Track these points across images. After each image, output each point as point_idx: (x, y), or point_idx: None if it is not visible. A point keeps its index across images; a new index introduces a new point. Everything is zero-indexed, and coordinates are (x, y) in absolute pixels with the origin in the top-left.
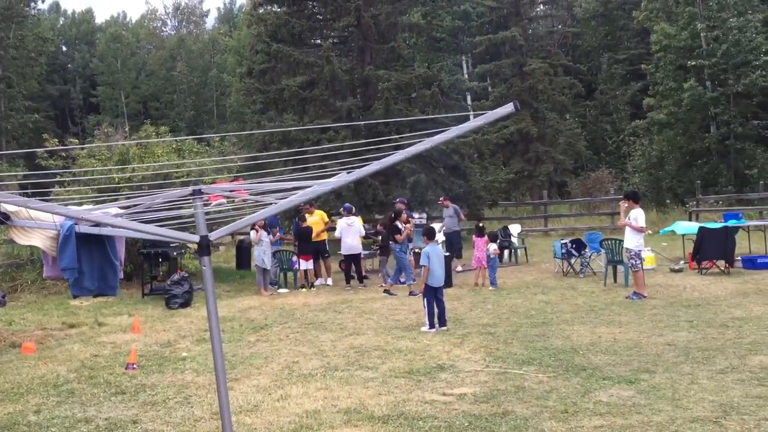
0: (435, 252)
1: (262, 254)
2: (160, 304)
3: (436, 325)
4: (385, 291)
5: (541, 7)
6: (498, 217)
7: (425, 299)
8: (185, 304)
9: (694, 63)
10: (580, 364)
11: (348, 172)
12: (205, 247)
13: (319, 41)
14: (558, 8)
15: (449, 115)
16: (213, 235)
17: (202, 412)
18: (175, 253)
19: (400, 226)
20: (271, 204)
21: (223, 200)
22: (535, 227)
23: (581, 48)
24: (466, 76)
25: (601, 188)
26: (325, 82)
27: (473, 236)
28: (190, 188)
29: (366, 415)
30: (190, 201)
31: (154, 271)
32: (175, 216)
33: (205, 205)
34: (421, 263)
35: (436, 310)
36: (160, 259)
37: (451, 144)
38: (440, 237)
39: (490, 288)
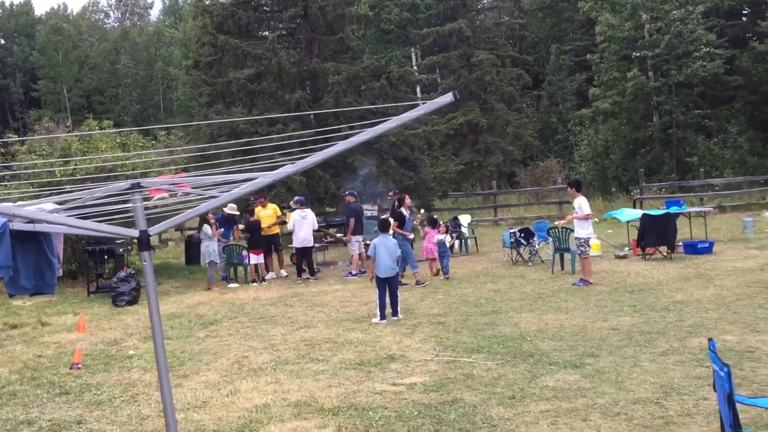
0: (382, 243)
1: (207, 249)
2: (107, 302)
3: (388, 316)
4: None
5: None
6: (448, 207)
7: (377, 290)
8: (132, 301)
9: (637, 54)
10: (527, 351)
11: (293, 164)
12: (144, 242)
13: (267, 33)
14: (505, 0)
15: (396, 104)
16: (153, 230)
17: (149, 410)
18: (121, 250)
19: (405, 213)
20: (213, 197)
21: (165, 194)
22: (485, 217)
23: (528, 39)
24: (415, 67)
25: (549, 178)
26: (272, 74)
27: (426, 227)
28: (129, 182)
29: (316, 407)
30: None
31: (99, 269)
32: (117, 211)
33: (147, 199)
34: (368, 253)
35: (388, 301)
36: (106, 256)
37: (401, 136)
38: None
39: (443, 277)
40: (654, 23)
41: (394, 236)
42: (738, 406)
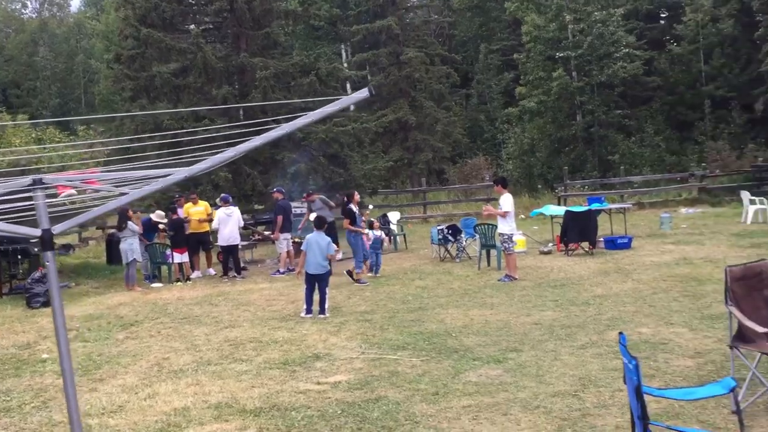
0: (315, 240)
1: (131, 246)
2: (21, 304)
3: (315, 313)
4: (356, 280)
5: None
6: (378, 204)
7: (305, 286)
8: (48, 303)
9: (561, 54)
10: (452, 347)
11: (205, 160)
12: (47, 242)
13: (192, 26)
14: None
15: (313, 99)
16: (57, 229)
17: (60, 416)
18: (36, 250)
19: (354, 209)
20: (123, 194)
21: (73, 191)
22: (414, 214)
23: (458, 38)
24: (345, 64)
25: (478, 175)
26: (198, 69)
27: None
28: (29, 178)
29: (237, 409)
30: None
31: (13, 269)
32: (24, 208)
33: (54, 196)
34: (302, 248)
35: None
36: (20, 256)
37: (330, 133)
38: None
39: (373, 274)
40: (577, 24)
41: (347, 232)
42: (648, 397)
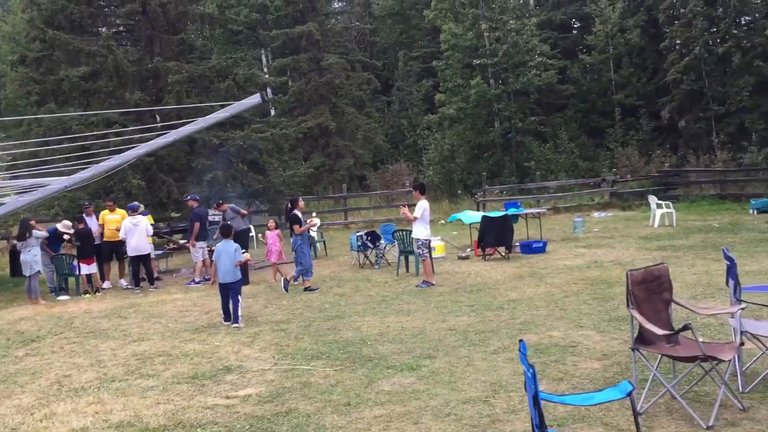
0: (224, 249)
1: (34, 258)
2: None
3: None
4: (306, 288)
5: (339, 3)
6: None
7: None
8: None
9: (479, 62)
10: (367, 355)
11: (86, 169)
12: None
13: (103, 29)
14: (354, 5)
15: (207, 104)
16: None
17: None
18: None
19: (299, 215)
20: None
21: None
22: (336, 220)
23: (379, 45)
24: (265, 69)
25: (399, 181)
26: (109, 73)
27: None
28: None
29: (140, 428)
30: None
31: None
32: None
33: None
34: (212, 258)
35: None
36: None
37: (248, 139)
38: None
39: (294, 282)
40: (493, 33)
41: (294, 239)
42: (549, 404)
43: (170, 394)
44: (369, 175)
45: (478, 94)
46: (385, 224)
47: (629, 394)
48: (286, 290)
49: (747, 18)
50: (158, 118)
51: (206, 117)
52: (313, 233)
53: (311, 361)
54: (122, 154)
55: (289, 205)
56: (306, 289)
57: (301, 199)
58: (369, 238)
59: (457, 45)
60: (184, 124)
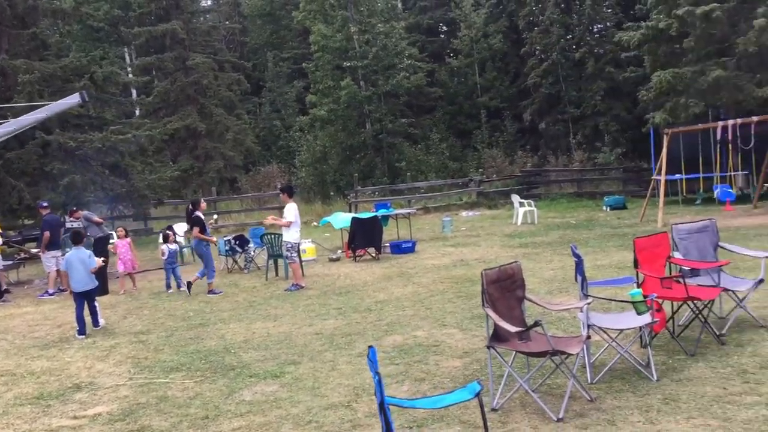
0: (76, 257)
1: None
2: None
3: (87, 327)
4: (210, 291)
5: (206, 2)
6: (166, 215)
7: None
8: None
9: (349, 64)
10: (229, 364)
11: None
12: None
13: None
14: (221, 4)
15: (20, 104)
16: None
17: None
18: None
19: (201, 216)
20: None
21: None
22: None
23: (249, 45)
24: (129, 68)
25: (271, 183)
26: None
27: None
28: None
29: None
30: None
31: None
32: None
33: None
34: (62, 268)
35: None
36: None
37: (107, 141)
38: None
39: (169, 291)
40: (362, 35)
41: (196, 242)
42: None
43: (11, 417)
44: (240, 178)
45: (348, 96)
46: (255, 227)
47: (478, 395)
48: (215, 292)
49: (599, 26)
50: (9, 118)
51: (19, 119)
52: (180, 238)
53: (170, 374)
54: None
55: (191, 207)
56: (209, 292)
57: (203, 200)
58: (237, 242)
59: (326, 46)
60: None
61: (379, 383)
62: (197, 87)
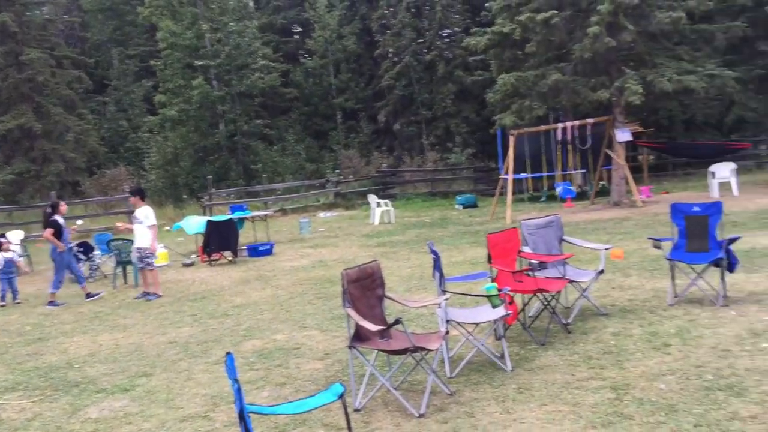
0: None
1: None
2: None
3: None
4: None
5: None
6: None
7: None
8: None
9: (200, 62)
10: (73, 380)
11: None
12: None
13: None
14: None
15: None
16: None
17: None
18: None
19: (60, 220)
20: None
21: None
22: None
23: (91, 41)
24: None
25: (118, 186)
26: None
27: None
28: None
29: None
30: None
31: None
32: None
33: None
34: None
35: None
36: None
37: None
38: None
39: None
40: (214, 33)
41: (53, 247)
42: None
43: None
44: (83, 181)
45: (200, 96)
46: (100, 234)
47: (341, 396)
48: (54, 305)
49: (448, 30)
50: None
51: None
52: (15, 248)
53: (4, 394)
54: None
55: (49, 210)
56: (49, 303)
57: (63, 203)
58: (81, 250)
59: (176, 44)
60: None
61: (238, 391)
62: (32, 84)
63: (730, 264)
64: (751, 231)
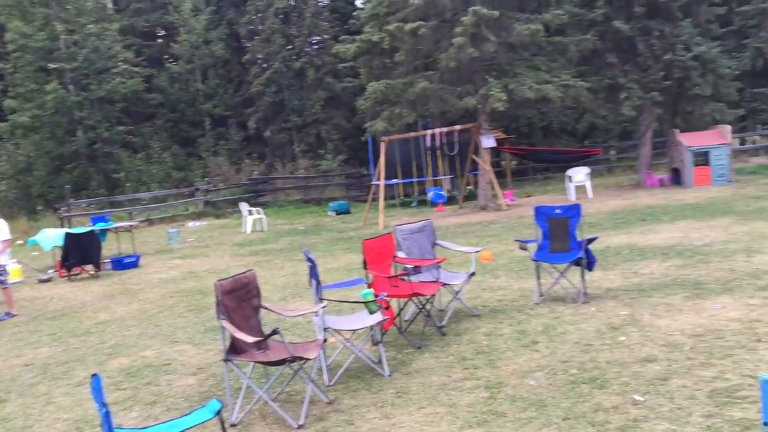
0: None
1: None
2: None
3: None
4: None
5: None
6: None
7: None
8: None
9: (55, 66)
10: None
11: None
12: None
13: None
14: None
15: None
16: None
17: None
18: None
19: None
20: None
21: None
22: None
23: None
24: None
25: None
26: None
27: None
28: None
29: None
30: None
31: None
32: None
33: None
34: None
35: None
36: None
37: None
38: None
39: None
40: (70, 35)
41: None
42: None
43: None
44: None
45: (55, 101)
46: None
47: (218, 413)
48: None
49: (318, 37)
50: None
51: None
52: None
53: None
54: None
55: None
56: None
57: None
58: None
59: (27, 46)
60: None
61: (107, 415)
62: None
63: (589, 263)
64: (605, 231)
